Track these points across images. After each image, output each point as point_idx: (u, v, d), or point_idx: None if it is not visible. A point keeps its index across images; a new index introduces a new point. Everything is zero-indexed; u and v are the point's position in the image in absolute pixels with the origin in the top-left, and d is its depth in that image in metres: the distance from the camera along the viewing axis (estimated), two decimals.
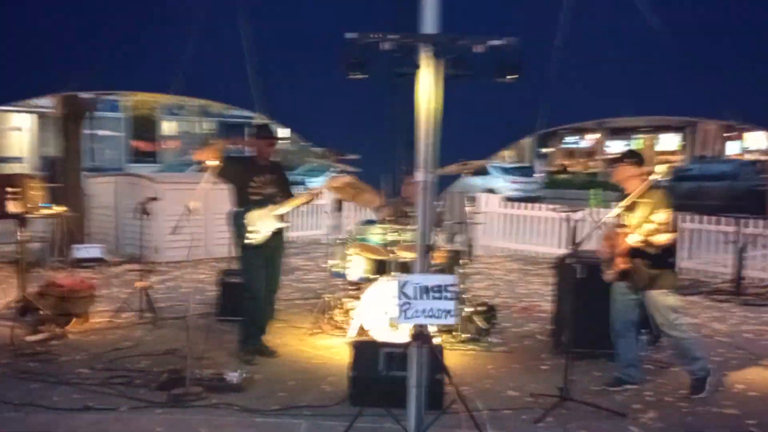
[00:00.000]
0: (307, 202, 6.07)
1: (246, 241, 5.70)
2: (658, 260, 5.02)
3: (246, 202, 5.76)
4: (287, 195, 5.90)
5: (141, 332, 6.49)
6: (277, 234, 5.84)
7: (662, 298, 5.07)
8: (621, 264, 5.04)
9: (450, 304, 3.99)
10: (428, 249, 4.16)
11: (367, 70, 4.08)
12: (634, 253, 4.99)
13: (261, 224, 5.73)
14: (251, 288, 5.81)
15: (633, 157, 5.28)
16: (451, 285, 4.00)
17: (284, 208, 5.79)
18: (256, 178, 5.78)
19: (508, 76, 4.16)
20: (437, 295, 3.99)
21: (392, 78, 4.14)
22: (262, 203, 5.75)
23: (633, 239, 4.89)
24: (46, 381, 5.05)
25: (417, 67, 4.05)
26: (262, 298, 5.85)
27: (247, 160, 5.99)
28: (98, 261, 9.70)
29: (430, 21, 4.10)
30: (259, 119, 7.89)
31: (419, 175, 4.16)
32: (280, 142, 6.28)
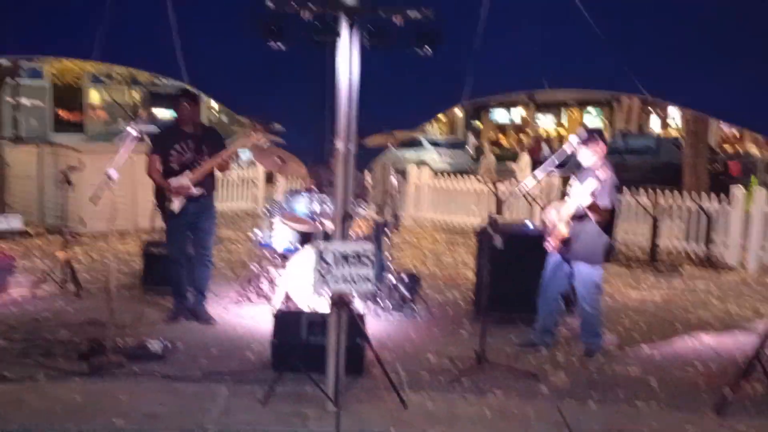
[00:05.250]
0: (219, 167, 5.94)
1: (164, 208, 5.82)
2: (599, 228, 5.26)
3: (165, 170, 5.79)
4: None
5: (62, 303, 6.39)
6: (197, 200, 5.84)
7: (590, 274, 5.33)
8: (563, 233, 5.26)
9: (369, 271, 4.09)
10: (347, 217, 4.24)
11: (286, 38, 4.10)
12: (577, 218, 5.23)
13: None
14: (172, 254, 5.98)
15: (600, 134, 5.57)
16: (370, 252, 4.10)
17: (196, 175, 5.77)
18: (176, 146, 5.80)
19: (426, 47, 4.24)
20: (356, 262, 4.09)
21: (312, 47, 4.15)
22: (178, 171, 5.77)
23: (578, 206, 5.11)
24: None
25: (336, 35, 4.10)
26: (190, 263, 5.96)
27: (171, 129, 5.99)
28: (18, 232, 9.43)
29: None
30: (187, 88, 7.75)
31: (339, 145, 4.23)
32: (212, 113, 6.20)
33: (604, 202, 5.10)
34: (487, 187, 11.84)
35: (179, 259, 5.96)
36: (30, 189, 10.69)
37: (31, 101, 27.09)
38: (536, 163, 23.19)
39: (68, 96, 28.10)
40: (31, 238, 9.43)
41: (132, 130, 5.45)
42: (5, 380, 4.48)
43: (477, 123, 37.25)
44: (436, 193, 12.69)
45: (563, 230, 5.27)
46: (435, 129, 33.19)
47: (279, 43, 4.13)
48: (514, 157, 27.54)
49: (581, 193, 5.05)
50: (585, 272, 5.31)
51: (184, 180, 5.75)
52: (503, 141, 37.25)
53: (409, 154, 22.41)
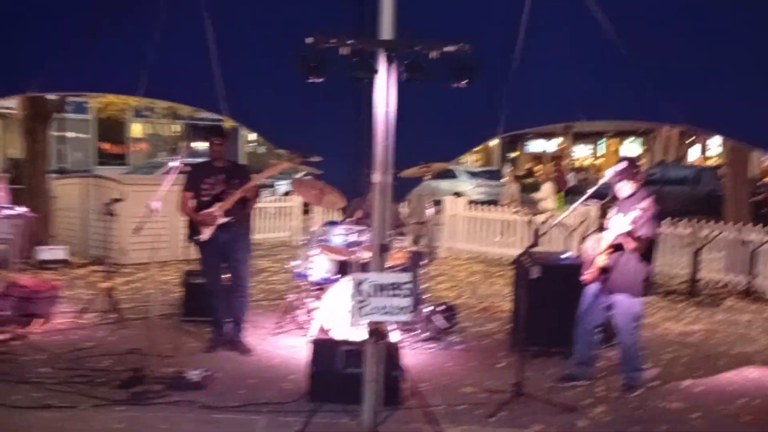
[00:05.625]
0: (247, 198, 6.01)
1: (194, 239, 6.00)
2: (640, 259, 5.20)
3: (198, 203, 5.98)
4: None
5: (104, 332, 6.51)
6: (226, 228, 5.94)
7: (630, 306, 5.27)
8: (602, 264, 5.22)
9: (405, 301, 4.11)
10: (384, 248, 4.28)
11: (325, 74, 4.20)
12: (617, 249, 5.18)
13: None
14: (207, 284, 6.14)
15: (634, 162, 5.52)
16: (407, 283, 4.12)
17: (225, 204, 5.89)
18: (207, 180, 5.98)
19: (462, 81, 4.29)
20: (393, 292, 4.12)
21: (350, 81, 4.24)
22: (210, 203, 5.93)
23: (618, 234, 5.08)
24: (6, 380, 5.05)
25: (374, 71, 4.18)
26: (225, 292, 6.07)
27: (203, 165, 6.18)
28: (62, 262, 9.66)
29: (387, 26, 4.23)
30: (227, 122, 7.89)
31: (376, 176, 4.29)
32: (249, 144, 6.36)
33: (644, 231, 5.05)
34: (523, 217, 11.78)
35: (215, 289, 6.08)
36: (75, 220, 10.97)
37: (76, 134, 27.86)
38: (564, 192, 23.18)
39: (112, 129, 28.83)
40: (75, 268, 9.65)
41: (173, 163, 5.62)
42: (49, 408, 4.58)
43: (513, 153, 37.19)
44: (472, 224, 12.66)
45: (602, 261, 5.24)
46: (470, 159, 33.20)
47: (318, 78, 4.21)
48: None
49: (622, 223, 5.01)
50: (625, 304, 5.25)
51: (213, 209, 5.89)
52: (539, 171, 37.03)
53: (445, 184, 22.44)
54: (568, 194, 24.20)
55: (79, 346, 6.02)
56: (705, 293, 9.46)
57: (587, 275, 5.38)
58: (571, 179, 26.49)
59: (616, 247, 5.17)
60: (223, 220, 5.91)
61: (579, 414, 4.85)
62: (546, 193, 16.31)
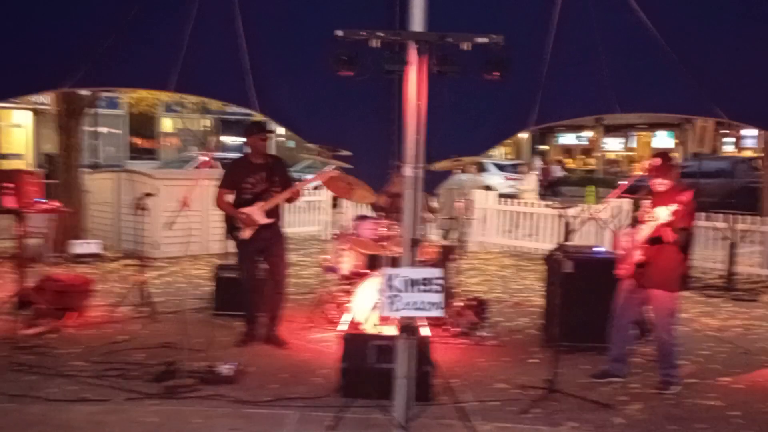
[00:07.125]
0: (289, 199, 6.07)
1: (235, 236, 5.97)
2: (677, 253, 5.10)
3: (239, 201, 5.96)
4: (281, 190, 6.00)
5: (137, 326, 6.57)
6: (268, 227, 5.95)
7: (667, 301, 5.16)
8: (638, 257, 5.12)
9: (437, 297, 4.07)
10: (415, 243, 4.24)
11: (356, 67, 4.16)
12: (654, 243, 5.07)
13: None
14: (243, 279, 6.11)
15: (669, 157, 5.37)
16: (438, 278, 4.08)
17: (268, 205, 5.91)
18: (248, 178, 5.95)
19: (494, 73, 4.22)
20: (424, 287, 4.07)
21: (381, 74, 4.19)
22: (251, 201, 5.91)
23: (656, 226, 4.96)
24: (42, 373, 5.12)
25: (405, 63, 4.13)
26: (261, 288, 6.07)
27: (242, 162, 6.16)
28: (96, 256, 9.79)
29: (417, 18, 4.18)
30: (256, 116, 7.89)
31: (407, 170, 4.24)
32: (278, 139, 6.37)
33: (684, 224, 4.93)
34: (556, 211, 11.63)
35: (251, 284, 6.07)
36: (108, 215, 11.11)
37: (108, 129, 28.22)
38: (549, 184, 22.89)
39: (143, 124, 29.20)
40: (108, 262, 9.76)
41: (203, 157, 5.65)
42: (84, 401, 4.63)
43: (543, 146, 36.87)
44: (503, 218, 12.55)
45: (638, 256, 5.13)
46: (500, 152, 32.98)
47: (349, 72, 4.17)
48: (580, 180, 27.18)
49: (660, 215, 4.89)
50: (661, 299, 5.14)
51: (255, 211, 5.88)
52: (570, 164, 36.71)
53: (473, 178, 22.30)
54: (555, 186, 24.13)
55: (113, 339, 6.09)
56: (742, 288, 9.26)
57: (623, 270, 5.28)
58: (557, 171, 26.33)
59: (653, 241, 5.06)
60: (264, 221, 5.91)
61: (614, 411, 4.76)
62: (530, 185, 16.35)
